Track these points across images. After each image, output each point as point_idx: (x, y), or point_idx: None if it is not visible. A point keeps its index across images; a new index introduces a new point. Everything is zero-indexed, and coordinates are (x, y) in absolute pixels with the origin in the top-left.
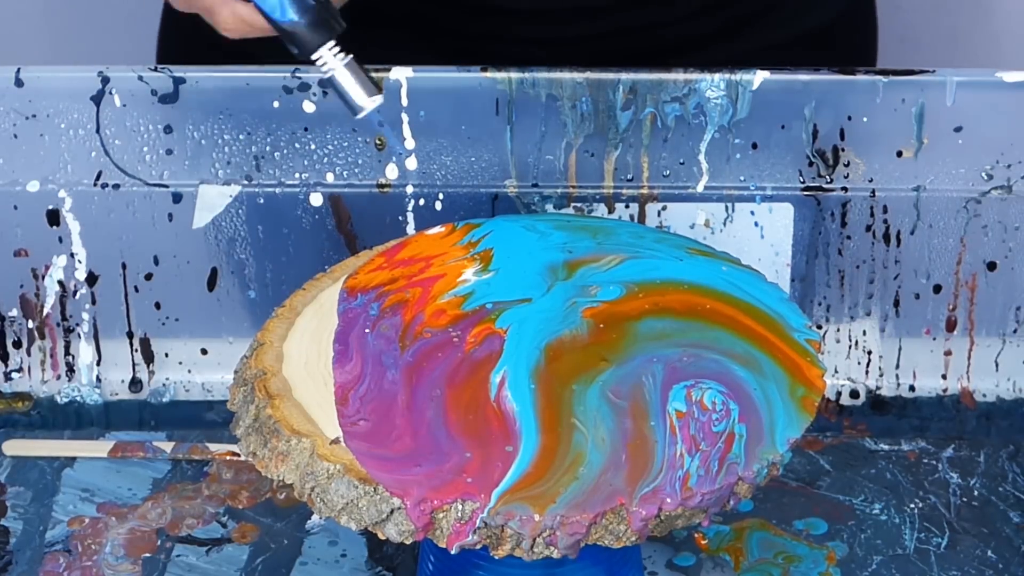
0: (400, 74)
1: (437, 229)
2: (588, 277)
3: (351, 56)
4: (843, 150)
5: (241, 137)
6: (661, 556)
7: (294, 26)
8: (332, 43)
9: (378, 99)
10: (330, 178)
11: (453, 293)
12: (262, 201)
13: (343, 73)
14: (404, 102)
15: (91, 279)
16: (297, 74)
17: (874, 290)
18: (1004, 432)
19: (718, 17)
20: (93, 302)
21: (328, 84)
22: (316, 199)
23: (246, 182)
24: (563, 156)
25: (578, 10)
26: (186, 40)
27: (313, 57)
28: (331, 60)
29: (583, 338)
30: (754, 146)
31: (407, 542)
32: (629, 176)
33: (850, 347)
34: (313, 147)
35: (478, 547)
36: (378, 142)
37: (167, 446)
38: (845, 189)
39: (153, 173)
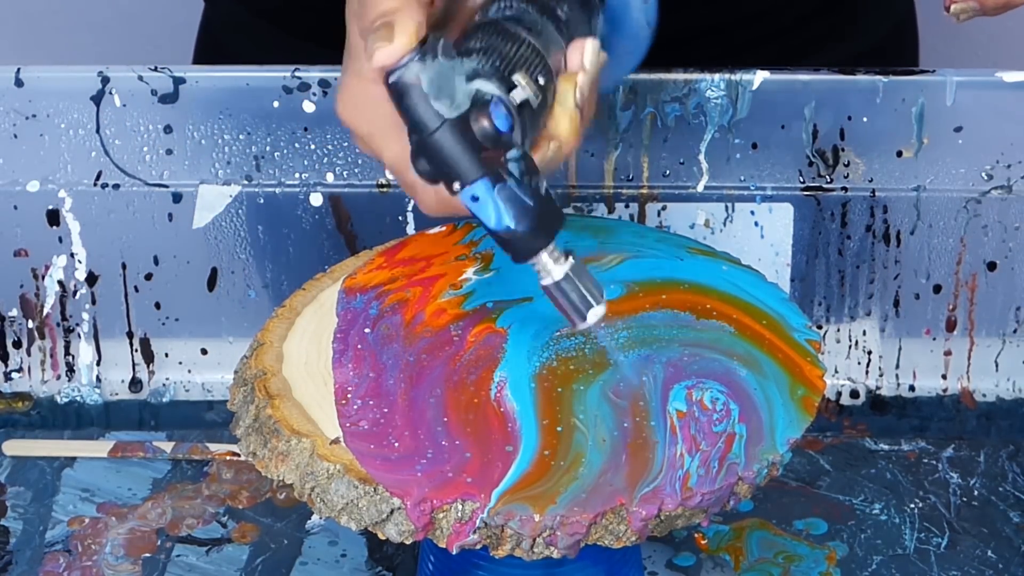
0: None
1: (438, 228)
2: None
3: (572, 259)
4: (843, 150)
5: (241, 137)
6: (661, 556)
7: (510, 233)
8: (552, 246)
9: (600, 310)
10: (330, 178)
11: (453, 292)
12: (262, 201)
13: (563, 282)
14: None
15: (91, 279)
16: (297, 74)
17: (874, 290)
18: (1004, 432)
19: (771, 46)
20: (93, 302)
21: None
22: (316, 199)
23: (246, 182)
24: None
25: None
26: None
27: (527, 263)
28: (549, 266)
29: (583, 337)
30: (754, 146)
31: (407, 542)
32: (629, 176)
33: (850, 347)
34: (313, 147)
35: (478, 547)
36: None
37: (167, 446)
38: (845, 189)
39: (153, 173)
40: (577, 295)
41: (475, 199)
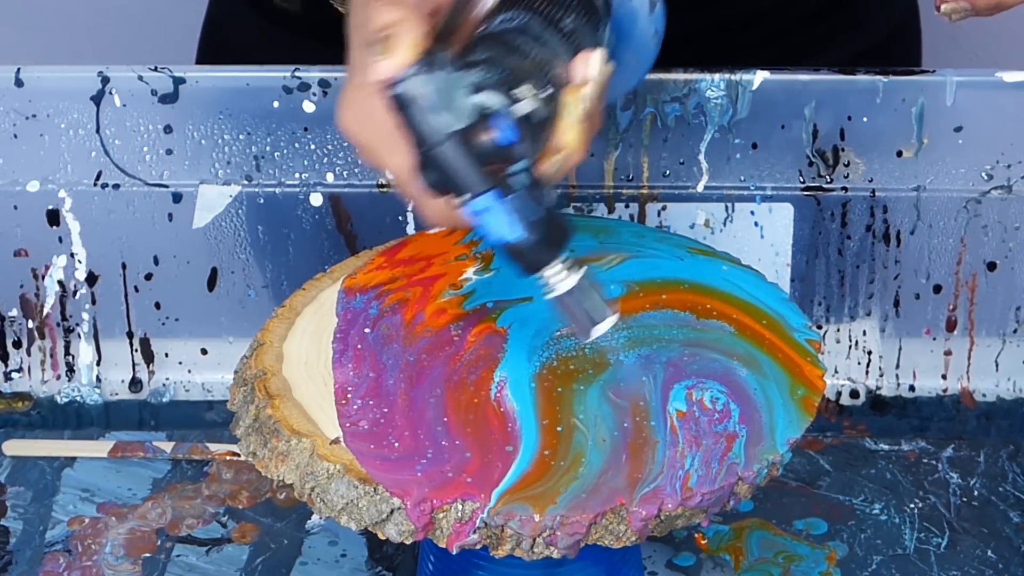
0: None
1: (438, 228)
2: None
3: (581, 270)
4: (843, 150)
5: (241, 137)
6: (661, 556)
7: (519, 245)
8: (562, 258)
9: (610, 321)
10: (330, 178)
11: (453, 292)
12: (262, 201)
13: (570, 295)
14: None
15: (91, 279)
16: (297, 74)
17: (874, 290)
18: (1004, 432)
19: (773, 46)
20: (93, 302)
21: (556, 301)
22: (316, 199)
23: (246, 182)
24: None
25: None
26: (228, 52)
27: (535, 275)
28: (559, 277)
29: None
30: (754, 146)
31: (407, 542)
32: (629, 176)
33: (850, 347)
34: (313, 147)
35: (478, 547)
36: None
37: (167, 446)
38: (845, 189)
39: (153, 173)
40: (588, 306)
41: (482, 211)
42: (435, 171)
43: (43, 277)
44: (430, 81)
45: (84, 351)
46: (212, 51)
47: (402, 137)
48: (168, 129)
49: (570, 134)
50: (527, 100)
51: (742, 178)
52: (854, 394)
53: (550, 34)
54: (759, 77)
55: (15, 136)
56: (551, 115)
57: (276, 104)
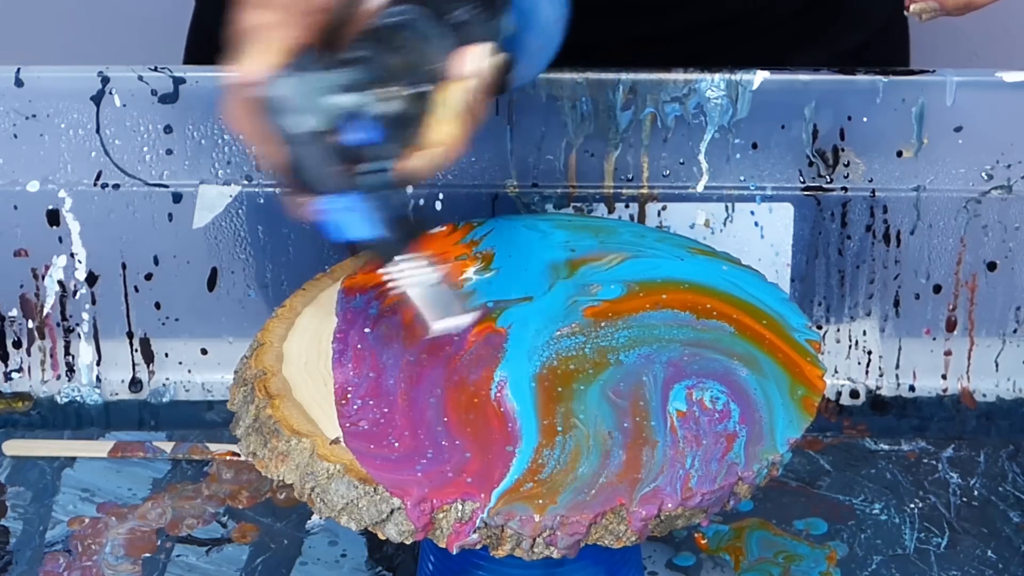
0: None
1: (438, 228)
2: (589, 276)
3: (435, 270)
4: (843, 150)
5: (241, 137)
6: (661, 556)
7: (367, 244)
8: (410, 256)
9: (460, 320)
10: None
11: None
12: (262, 201)
13: (418, 289)
14: None
15: (91, 279)
16: None
17: (874, 290)
18: (1004, 432)
19: (758, 42)
20: (93, 302)
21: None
22: None
23: (246, 182)
24: (563, 156)
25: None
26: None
27: (384, 269)
28: (406, 273)
29: (584, 337)
30: (754, 146)
31: (407, 542)
32: (629, 176)
33: (850, 347)
34: None
35: (478, 547)
36: None
37: (167, 446)
38: (845, 189)
39: (153, 173)
40: (435, 302)
41: (332, 211)
42: (291, 171)
43: (43, 277)
44: (291, 84)
45: (84, 351)
46: (200, 50)
47: (270, 137)
48: (168, 129)
49: (446, 129)
50: (392, 100)
51: (742, 178)
52: (854, 394)
53: (435, 27)
54: (759, 77)
55: (15, 136)
56: (424, 111)
57: None
